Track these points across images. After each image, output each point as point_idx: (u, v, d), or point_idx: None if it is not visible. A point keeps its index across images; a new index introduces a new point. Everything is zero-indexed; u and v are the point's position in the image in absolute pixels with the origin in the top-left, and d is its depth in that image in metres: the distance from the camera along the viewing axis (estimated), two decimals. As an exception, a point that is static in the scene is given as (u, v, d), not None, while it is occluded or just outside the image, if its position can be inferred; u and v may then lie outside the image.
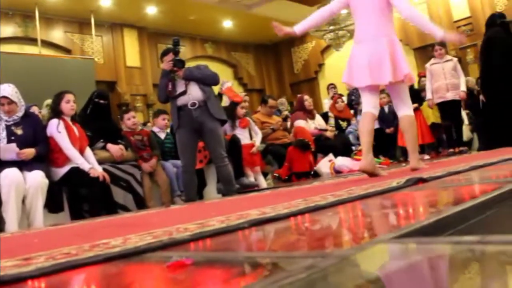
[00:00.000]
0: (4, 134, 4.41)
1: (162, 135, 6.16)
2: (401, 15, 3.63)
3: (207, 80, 4.91)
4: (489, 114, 6.59)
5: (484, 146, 7.12)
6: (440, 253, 0.76)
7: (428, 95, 7.34)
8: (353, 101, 9.98)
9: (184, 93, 4.77)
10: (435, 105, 7.42)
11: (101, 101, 5.32)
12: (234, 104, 6.28)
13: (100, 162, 4.85)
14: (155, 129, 6.27)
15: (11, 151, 4.31)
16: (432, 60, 7.43)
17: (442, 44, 7.50)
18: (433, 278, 0.64)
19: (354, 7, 3.68)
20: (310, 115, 7.57)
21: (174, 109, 4.85)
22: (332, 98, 9.54)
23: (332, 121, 8.42)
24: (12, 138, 4.41)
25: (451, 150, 7.37)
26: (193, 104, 4.75)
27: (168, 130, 6.26)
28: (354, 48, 3.66)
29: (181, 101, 4.79)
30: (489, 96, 6.60)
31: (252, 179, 6.01)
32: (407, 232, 0.90)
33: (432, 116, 7.99)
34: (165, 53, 4.99)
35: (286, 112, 8.94)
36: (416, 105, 7.63)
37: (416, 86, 8.04)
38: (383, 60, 3.41)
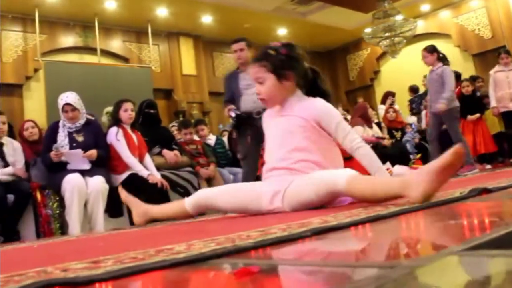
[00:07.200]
0: (66, 140, 4.57)
1: (211, 142, 6.25)
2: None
3: None
4: None
5: None
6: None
7: (493, 103, 7.06)
8: (414, 109, 9.82)
9: (258, 113, 4.80)
10: (499, 114, 7.14)
11: (151, 111, 5.45)
12: None
13: (156, 167, 4.95)
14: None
15: (77, 156, 4.46)
16: (497, 67, 7.15)
17: (508, 52, 7.25)
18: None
19: None
20: (368, 123, 7.51)
21: (234, 118, 4.91)
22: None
23: (385, 131, 8.29)
24: (74, 144, 4.57)
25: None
26: (258, 113, 4.76)
27: (213, 137, 6.41)
28: None
29: (245, 108, 4.86)
30: None
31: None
32: (476, 244, 0.88)
33: (498, 125, 7.62)
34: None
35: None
36: (478, 114, 7.37)
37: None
38: None
